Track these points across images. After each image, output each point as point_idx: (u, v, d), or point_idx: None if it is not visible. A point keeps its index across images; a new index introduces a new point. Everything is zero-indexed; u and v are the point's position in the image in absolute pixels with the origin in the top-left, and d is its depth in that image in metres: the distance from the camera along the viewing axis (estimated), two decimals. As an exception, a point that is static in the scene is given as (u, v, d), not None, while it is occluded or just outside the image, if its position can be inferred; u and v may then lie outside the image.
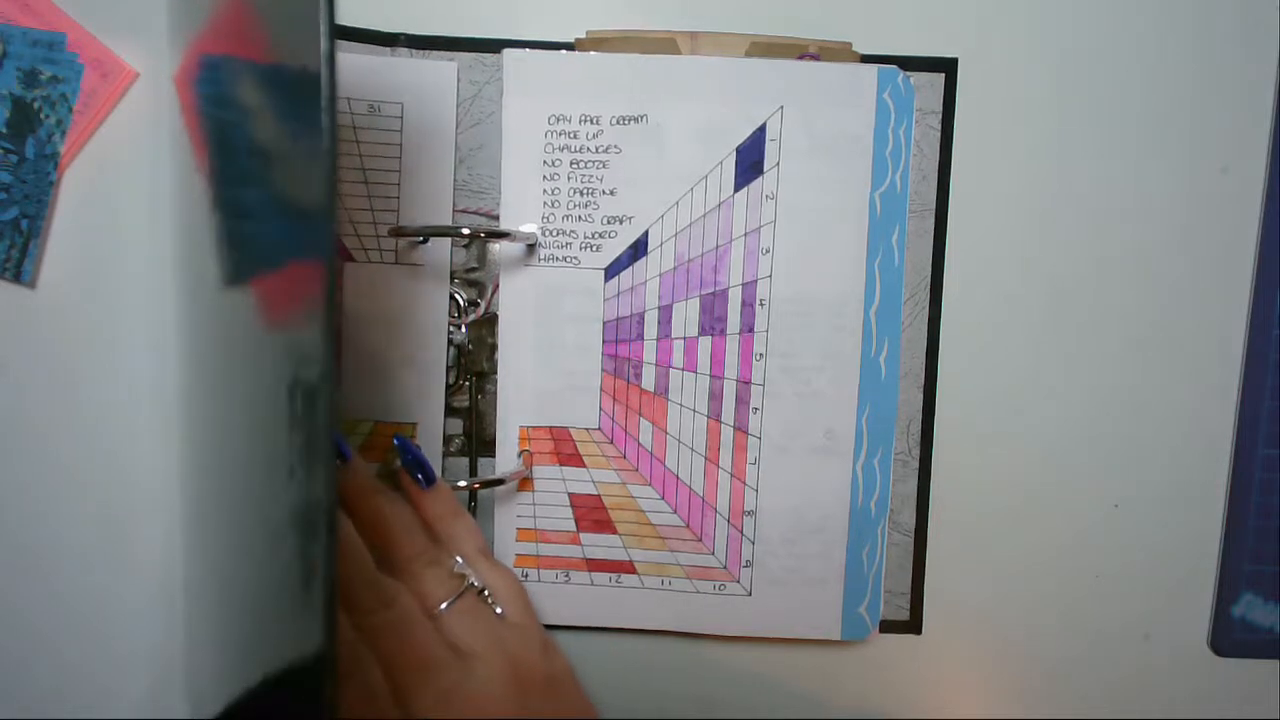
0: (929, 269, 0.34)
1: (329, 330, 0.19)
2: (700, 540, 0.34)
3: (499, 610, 0.30)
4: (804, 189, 0.33)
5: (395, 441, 0.31)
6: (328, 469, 0.20)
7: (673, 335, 0.33)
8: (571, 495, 0.34)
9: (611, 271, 0.33)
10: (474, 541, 0.31)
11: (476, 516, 0.34)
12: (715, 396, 0.33)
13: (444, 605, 0.29)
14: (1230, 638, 0.35)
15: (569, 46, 0.33)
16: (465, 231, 0.31)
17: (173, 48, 0.31)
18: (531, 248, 0.33)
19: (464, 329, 0.33)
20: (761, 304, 0.33)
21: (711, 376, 0.33)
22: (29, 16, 0.31)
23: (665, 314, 0.33)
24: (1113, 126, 0.33)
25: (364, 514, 0.29)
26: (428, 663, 0.27)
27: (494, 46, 0.32)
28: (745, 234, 0.33)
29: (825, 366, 0.33)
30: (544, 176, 0.33)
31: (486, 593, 0.30)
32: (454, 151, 0.33)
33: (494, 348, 0.34)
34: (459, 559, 0.30)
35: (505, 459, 0.34)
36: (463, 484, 0.32)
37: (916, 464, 0.34)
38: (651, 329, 0.33)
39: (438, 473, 0.32)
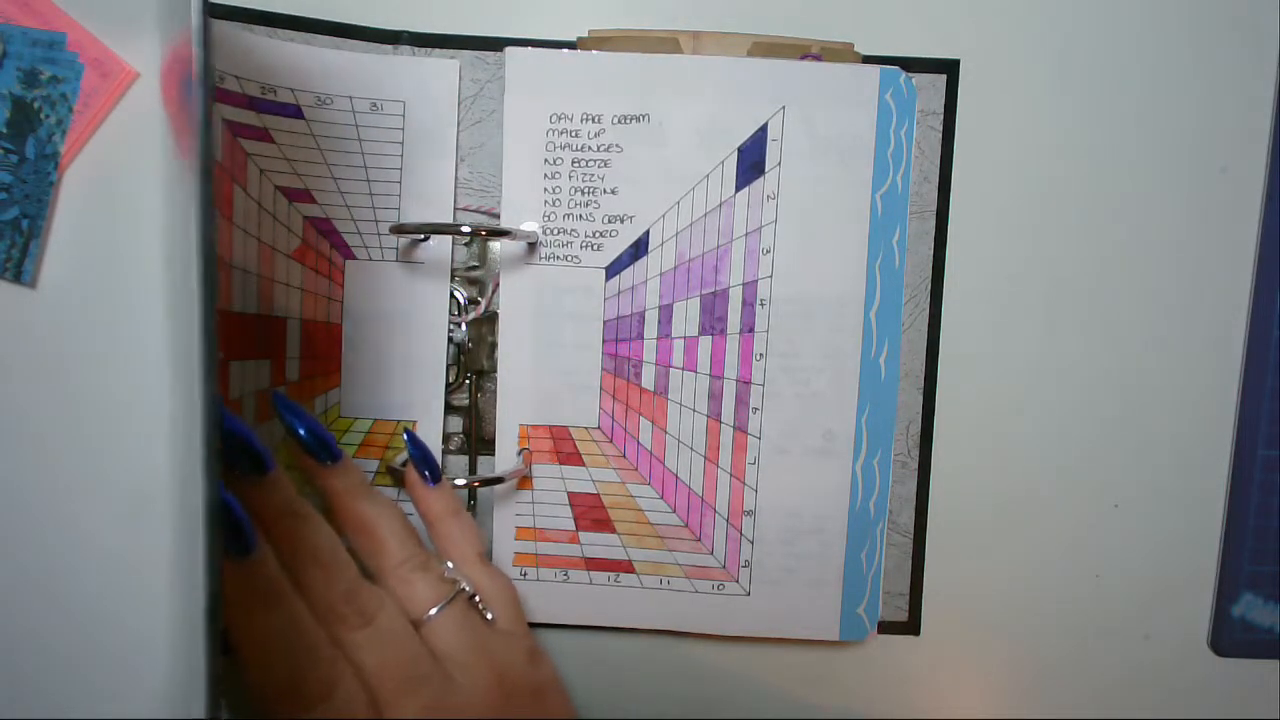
0: (929, 270, 0.34)
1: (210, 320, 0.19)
2: (699, 540, 0.34)
3: (489, 616, 0.30)
4: (805, 189, 0.33)
5: (405, 435, 0.31)
6: (209, 461, 0.20)
7: (673, 335, 0.33)
8: (570, 494, 0.34)
9: (612, 270, 0.33)
10: (472, 544, 0.31)
11: (476, 515, 0.34)
12: (715, 396, 0.33)
13: (433, 611, 0.28)
14: (1230, 638, 0.35)
15: (571, 45, 0.33)
16: (466, 229, 0.31)
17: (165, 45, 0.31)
18: (532, 246, 0.33)
19: (464, 327, 0.33)
20: (762, 304, 0.33)
21: (711, 376, 0.33)
22: (29, 16, 0.31)
23: (665, 313, 0.33)
24: (1113, 127, 0.33)
25: (352, 517, 0.29)
26: (411, 677, 0.26)
27: (496, 45, 0.32)
28: (746, 234, 0.33)
29: (825, 367, 0.33)
30: (545, 175, 0.33)
31: (477, 598, 0.30)
32: (455, 149, 0.33)
33: (494, 346, 0.34)
34: (449, 564, 0.30)
35: (505, 457, 0.34)
36: (462, 482, 0.32)
37: (916, 465, 0.34)
38: (652, 328, 0.33)
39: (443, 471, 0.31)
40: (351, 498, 0.29)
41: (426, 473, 0.31)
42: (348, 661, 0.26)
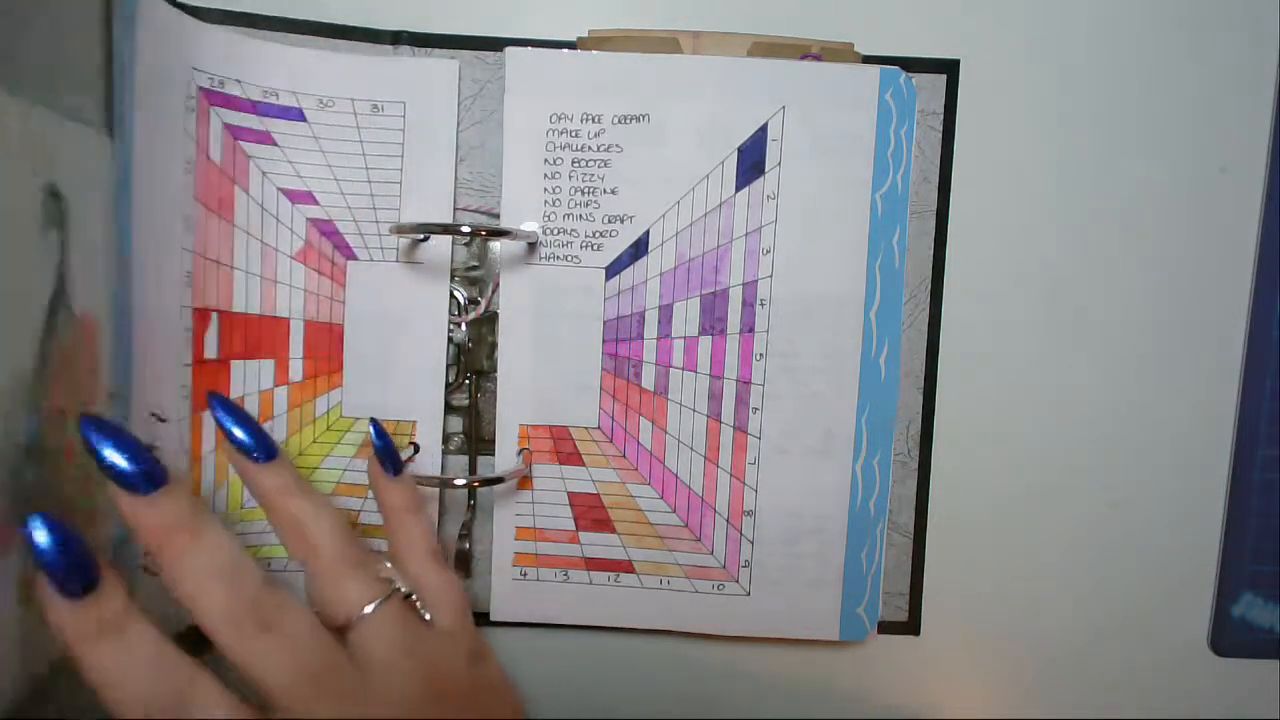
0: (929, 270, 0.34)
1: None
2: (699, 540, 0.34)
3: (428, 616, 0.29)
4: (805, 189, 0.33)
5: (371, 427, 0.31)
6: None
7: (673, 335, 0.33)
8: (571, 494, 0.34)
9: (612, 270, 0.33)
10: (425, 541, 0.30)
11: (475, 515, 0.34)
12: (715, 396, 0.34)
13: (367, 609, 0.27)
14: (1230, 638, 0.35)
15: (571, 45, 0.33)
16: (466, 229, 0.31)
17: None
18: (532, 246, 0.33)
19: (464, 327, 0.34)
20: (762, 304, 0.33)
21: (711, 376, 0.33)
22: None
23: (665, 313, 0.33)
24: (1113, 127, 0.33)
25: (284, 516, 0.28)
26: (319, 679, 0.26)
27: (496, 45, 0.32)
28: (746, 234, 0.33)
29: (825, 367, 0.33)
30: (545, 175, 0.33)
31: (415, 598, 0.29)
32: (455, 149, 0.33)
33: (494, 346, 0.34)
34: (387, 564, 0.29)
35: (505, 457, 0.34)
36: (461, 482, 0.32)
37: (916, 465, 0.34)
38: (652, 328, 0.33)
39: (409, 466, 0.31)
40: (283, 496, 0.28)
41: (389, 465, 0.30)
42: (247, 672, 0.25)
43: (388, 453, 0.30)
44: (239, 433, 0.28)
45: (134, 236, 0.29)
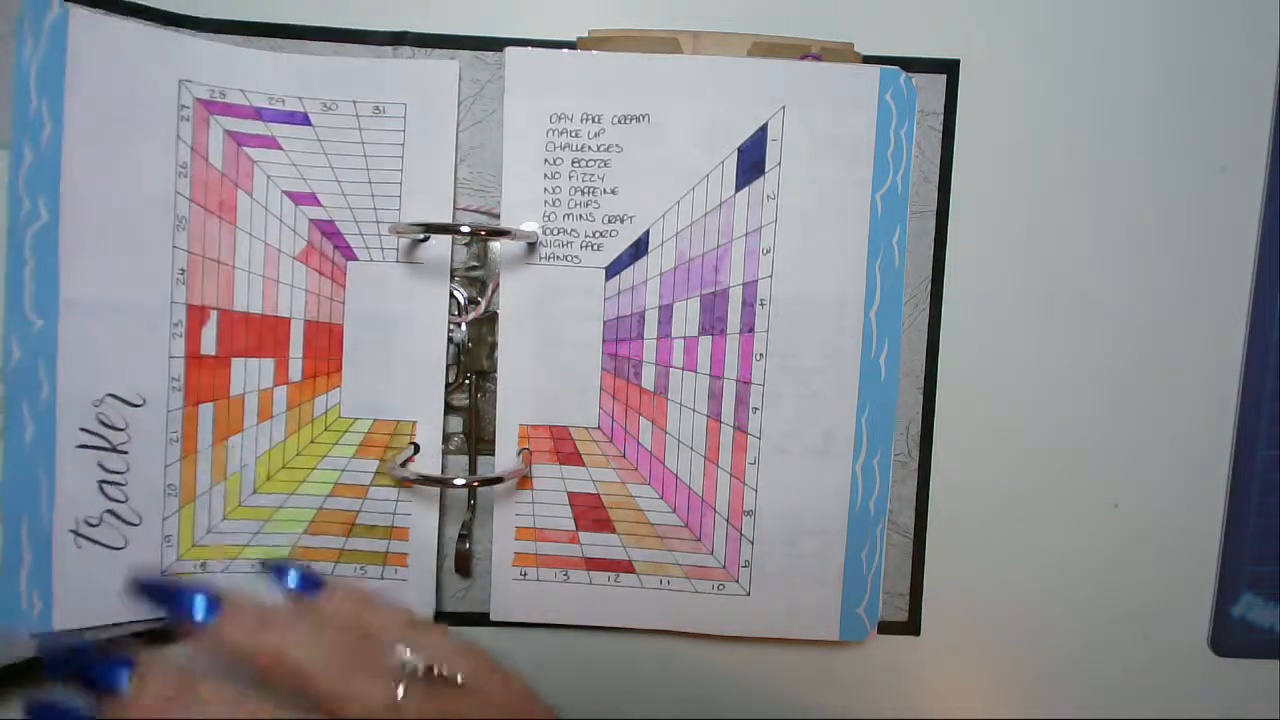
0: (929, 269, 0.34)
1: None
2: (699, 540, 0.34)
3: (459, 679, 0.27)
4: (805, 189, 0.33)
5: (274, 572, 0.28)
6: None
7: (673, 335, 0.33)
8: (571, 494, 0.34)
9: (612, 270, 0.33)
10: (397, 619, 0.28)
11: (475, 515, 0.34)
12: (715, 396, 0.33)
13: (400, 696, 0.25)
14: (1230, 638, 0.35)
15: (571, 45, 0.33)
16: (466, 229, 0.31)
17: None
18: (532, 246, 0.33)
19: (464, 327, 0.34)
20: (762, 304, 0.33)
21: (711, 376, 0.33)
22: None
23: (665, 313, 0.33)
24: (1112, 127, 0.33)
25: (257, 660, 0.25)
26: None
27: (496, 45, 0.33)
28: (746, 234, 0.33)
29: (825, 367, 0.33)
30: (545, 175, 0.33)
31: (434, 669, 0.27)
32: (455, 150, 0.33)
33: (494, 346, 0.34)
34: (394, 645, 0.27)
35: (505, 457, 0.34)
36: (461, 482, 0.32)
37: (916, 465, 0.34)
38: (652, 328, 0.33)
39: (321, 576, 0.28)
40: (248, 638, 0.25)
41: (311, 592, 0.28)
42: None
43: (304, 583, 0.28)
44: (168, 610, 0.25)
45: (65, 236, 0.30)
